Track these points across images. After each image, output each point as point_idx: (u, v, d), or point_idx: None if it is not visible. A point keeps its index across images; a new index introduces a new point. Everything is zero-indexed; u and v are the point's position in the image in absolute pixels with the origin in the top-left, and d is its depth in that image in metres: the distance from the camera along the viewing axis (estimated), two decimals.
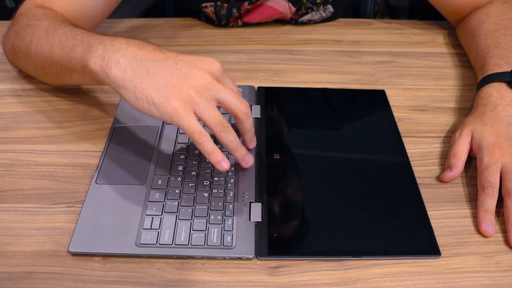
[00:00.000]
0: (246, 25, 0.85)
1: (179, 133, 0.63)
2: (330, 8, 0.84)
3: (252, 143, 0.58)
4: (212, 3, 0.81)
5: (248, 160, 0.55)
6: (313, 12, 0.84)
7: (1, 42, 0.73)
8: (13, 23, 0.68)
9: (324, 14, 0.85)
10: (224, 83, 0.54)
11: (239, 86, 0.70)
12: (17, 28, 0.65)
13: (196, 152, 0.60)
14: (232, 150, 0.54)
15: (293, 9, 0.82)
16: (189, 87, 0.50)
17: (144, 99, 0.50)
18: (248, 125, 0.55)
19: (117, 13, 0.77)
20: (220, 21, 0.83)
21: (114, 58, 0.51)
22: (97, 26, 0.76)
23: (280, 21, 0.86)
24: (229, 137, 0.52)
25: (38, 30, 0.61)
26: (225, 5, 0.80)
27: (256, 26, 0.86)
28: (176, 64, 0.51)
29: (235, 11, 0.81)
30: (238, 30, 0.85)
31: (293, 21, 0.86)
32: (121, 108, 0.67)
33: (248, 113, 0.54)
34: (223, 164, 0.51)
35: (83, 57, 0.53)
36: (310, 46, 0.81)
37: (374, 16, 1.01)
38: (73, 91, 0.70)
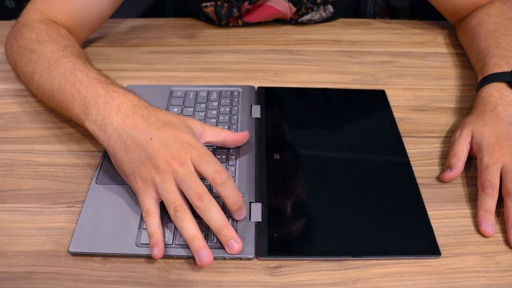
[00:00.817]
0: (246, 25, 0.85)
1: None
2: (330, 8, 0.84)
3: (239, 215, 0.52)
4: (212, 3, 0.81)
5: (232, 247, 0.48)
6: (313, 12, 0.84)
7: (1, 43, 0.73)
8: (16, 33, 0.67)
9: (324, 14, 0.85)
10: (199, 161, 0.50)
11: (239, 86, 0.71)
12: (20, 44, 0.66)
13: None
14: (194, 237, 0.48)
15: (293, 9, 0.82)
16: (152, 166, 0.49)
17: (119, 167, 0.53)
18: (226, 193, 0.50)
19: (117, 13, 0.77)
20: (220, 21, 0.83)
21: (104, 124, 0.53)
22: (99, 27, 0.76)
23: (280, 21, 0.86)
24: (184, 224, 0.48)
25: (42, 61, 0.62)
26: (226, 4, 0.80)
27: (256, 26, 0.86)
28: (151, 139, 0.50)
29: (235, 10, 0.81)
30: (238, 30, 0.85)
31: (293, 21, 0.86)
32: None
33: (222, 183, 0.49)
34: (154, 251, 0.48)
35: (80, 116, 0.56)
36: (310, 46, 0.81)
37: (374, 16, 1.01)
38: None
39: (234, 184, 0.50)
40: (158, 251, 0.48)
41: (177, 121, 0.53)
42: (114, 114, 0.53)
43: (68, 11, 0.70)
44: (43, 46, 0.63)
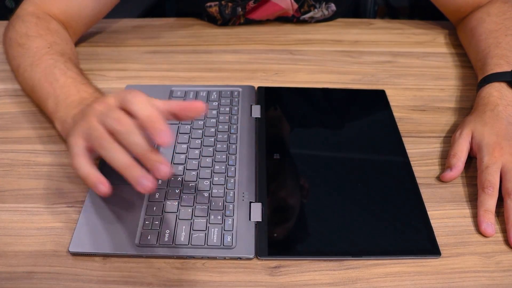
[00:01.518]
0: (248, 22, 0.85)
1: (179, 133, 0.63)
2: (332, 6, 0.84)
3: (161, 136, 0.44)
4: (217, 3, 0.81)
5: (158, 169, 0.43)
6: (316, 10, 0.84)
7: (0, 43, 0.73)
8: (9, 25, 0.70)
9: (326, 12, 0.85)
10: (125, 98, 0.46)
11: (239, 86, 0.71)
12: (11, 36, 0.68)
13: (196, 152, 0.60)
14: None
15: (296, 6, 0.82)
16: (83, 118, 0.48)
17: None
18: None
19: (117, 13, 0.77)
20: (224, 20, 0.83)
21: (67, 122, 0.54)
22: (95, 23, 0.77)
23: (281, 19, 0.86)
24: (114, 154, 0.45)
25: (27, 56, 0.64)
26: (230, 4, 0.80)
27: (256, 26, 0.86)
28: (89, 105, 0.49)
29: (240, 10, 0.81)
30: (238, 30, 0.85)
31: (295, 18, 0.85)
32: None
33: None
34: (100, 187, 0.46)
35: (51, 115, 0.58)
36: (310, 46, 0.81)
37: (374, 16, 1.01)
38: None
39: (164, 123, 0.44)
40: (104, 187, 0.46)
41: None
42: (76, 109, 0.54)
43: (62, 5, 0.71)
44: (30, 41, 0.65)
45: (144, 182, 0.43)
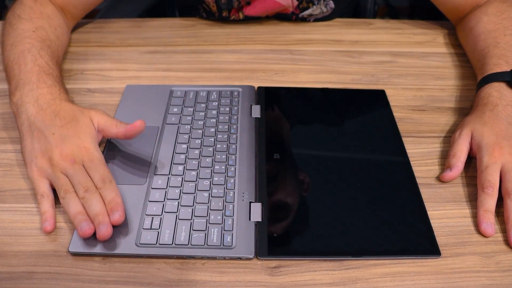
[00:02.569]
0: (247, 18, 0.85)
1: (179, 133, 0.63)
2: (331, 3, 0.84)
3: (114, 216, 0.50)
4: None
5: (100, 229, 0.49)
6: (314, 7, 0.83)
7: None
8: (12, 6, 0.72)
9: (325, 10, 0.84)
10: (89, 165, 0.54)
11: (239, 86, 0.71)
12: (8, 16, 0.71)
13: (196, 152, 0.60)
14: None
15: (296, 2, 0.82)
16: (48, 158, 0.54)
17: (23, 153, 0.57)
18: (104, 194, 0.52)
19: (117, 13, 0.77)
20: (220, 12, 0.83)
21: (20, 111, 0.58)
22: (93, 7, 0.79)
23: (281, 17, 0.86)
24: (70, 202, 0.52)
25: (11, 36, 0.67)
26: None
27: (257, 26, 0.86)
28: (53, 134, 0.55)
29: (235, 0, 0.81)
30: (238, 30, 0.85)
31: (294, 16, 0.85)
32: (121, 108, 0.67)
33: (103, 187, 0.52)
34: (45, 224, 0.51)
35: (10, 96, 0.62)
36: (310, 46, 0.81)
37: (374, 16, 1.01)
38: (72, 91, 0.70)
39: (116, 188, 0.53)
40: (49, 225, 0.51)
41: (84, 119, 0.57)
42: (32, 103, 0.58)
43: None
44: (20, 23, 0.68)
45: (85, 227, 0.49)
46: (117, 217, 0.50)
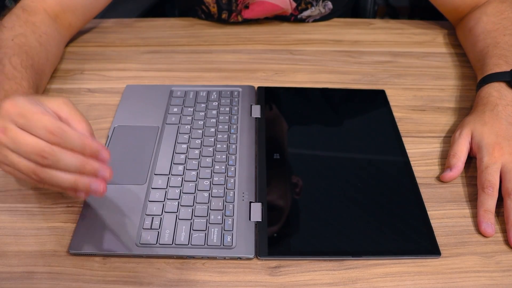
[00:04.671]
0: (246, 21, 0.85)
1: (179, 133, 0.63)
2: (329, 4, 0.84)
3: (101, 156, 0.45)
4: None
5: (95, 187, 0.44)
6: (313, 8, 0.84)
7: None
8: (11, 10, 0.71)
9: (323, 10, 0.85)
10: (24, 123, 0.43)
11: (239, 86, 0.71)
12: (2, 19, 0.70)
13: (196, 152, 0.60)
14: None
15: (294, 4, 0.82)
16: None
17: None
18: (70, 146, 0.43)
19: (117, 13, 0.77)
20: (220, 12, 0.83)
21: None
22: (93, 16, 0.78)
23: (280, 18, 0.86)
24: (53, 175, 0.44)
25: None
26: None
27: (256, 26, 0.86)
28: None
29: (234, 1, 0.81)
30: (238, 30, 0.85)
31: (293, 17, 0.85)
32: (121, 108, 0.67)
33: (60, 140, 0.42)
34: None
35: None
36: (310, 46, 0.81)
37: (374, 16, 1.01)
38: (72, 91, 0.70)
39: (73, 132, 0.42)
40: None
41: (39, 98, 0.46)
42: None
43: None
44: (1, 32, 0.66)
45: (97, 186, 0.44)
46: (105, 156, 0.43)
